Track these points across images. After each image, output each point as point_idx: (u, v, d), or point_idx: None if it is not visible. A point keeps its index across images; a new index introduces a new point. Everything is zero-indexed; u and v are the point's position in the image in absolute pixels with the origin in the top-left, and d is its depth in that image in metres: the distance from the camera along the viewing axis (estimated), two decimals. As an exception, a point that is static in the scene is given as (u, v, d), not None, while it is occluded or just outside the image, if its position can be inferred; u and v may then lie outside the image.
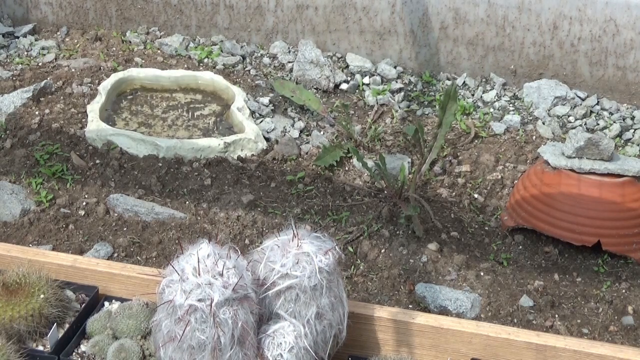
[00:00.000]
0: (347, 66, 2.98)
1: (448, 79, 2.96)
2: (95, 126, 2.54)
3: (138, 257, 2.17)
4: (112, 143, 2.50)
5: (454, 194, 2.43)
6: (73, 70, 2.87)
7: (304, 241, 1.52)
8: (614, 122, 2.74)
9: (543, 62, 2.85)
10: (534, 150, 2.56)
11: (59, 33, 3.16)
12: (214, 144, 2.51)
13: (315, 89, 2.89)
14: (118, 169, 2.44)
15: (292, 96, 2.76)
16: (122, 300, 1.73)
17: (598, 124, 2.74)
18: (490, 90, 2.90)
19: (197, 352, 1.43)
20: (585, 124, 2.74)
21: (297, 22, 3.02)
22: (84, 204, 2.33)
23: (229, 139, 2.53)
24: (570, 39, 2.82)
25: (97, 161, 2.46)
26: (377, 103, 2.83)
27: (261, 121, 2.69)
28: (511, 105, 2.83)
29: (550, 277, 2.16)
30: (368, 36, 2.96)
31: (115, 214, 2.31)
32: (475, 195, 2.42)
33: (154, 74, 2.84)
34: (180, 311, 1.43)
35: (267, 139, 2.61)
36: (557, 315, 2.04)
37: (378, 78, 2.94)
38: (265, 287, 1.50)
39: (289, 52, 3.05)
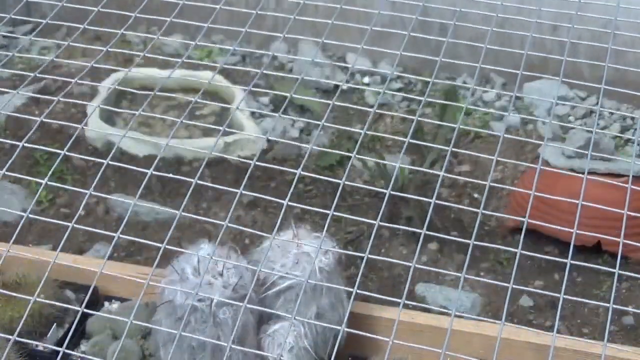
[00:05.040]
0: (347, 66, 2.98)
1: (448, 79, 2.96)
2: (95, 125, 2.54)
3: (138, 257, 2.17)
4: (112, 143, 2.50)
5: (454, 193, 2.43)
6: (73, 70, 2.87)
7: (304, 241, 1.52)
8: (614, 122, 2.74)
9: (543, 62, 2.84)
10: (534, 150, 2.56)
11: (58, 33, 3.16)
12: (213, 143, 2.51)
13: (315, 89, 2.88)
14: (118, 169, 2.44)
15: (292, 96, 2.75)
16: (122, 300, 1.73)
17: (598, 124, 2.74)
18: (491, 90, 2.89)
19: (197, 352, 1.43)
20: (585, 124, 2.74)
21: (297, 22, 3.02)
22: (84, 204, 2.33)
23: (229, 138, 2.52)
24: (571, 39, 2.81)
25: (97, 161, 2.46)
26: (377, 103, 2.82)
27: (261, 121, 2.69)
28: (511, 105, 2.83)
29: (551, 277, 2.16)
30: (368, 36, 2.96)
31: (115, 214, 2.31)
32: (476, 195, 2.42)
33: (154, 74, 2.83)
34: (180, 311, 1.43)
35: (267, 140, 2.61)
36: (556, 316, 2.03)
37: (378, 78, 2.94)
38: (265, 287, 1.50)
39: (289, 52, 3.05)
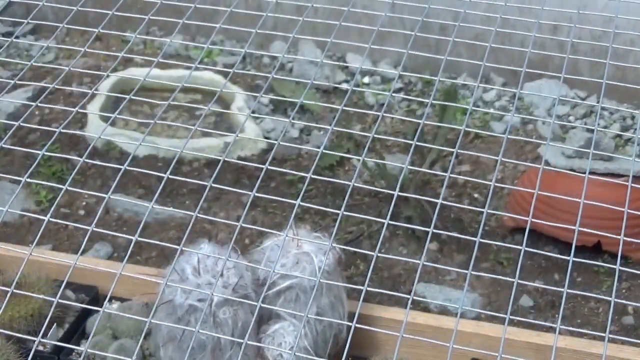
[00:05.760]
0: (347, 66, 2.98)
1: (448, 79, 2.96)
2: (95, 126, 2.54)
3: (138, 257, 2.17)
4: (112, 143, 2.50)
5: (454, 193, 2.43)
6: (73, 70, 2.87)
7: (304, 241, 1.52)
8: (614, 122, 2.74)
9: (543, 62, 2.84)
10: (534, 150, 2.56)
11: (59, 33, 3.16)
12: (214, 144, 2.51)
13: (315, 89, 2.88)
14: (118, 169, 2.43)
15: (292, 96, 2.75)
16: (122, 300, 1.72)
17: (598, 124, 2.74)
18: (491, 90, 2.90)
19: (197, 352, 1.43)
20: (585, 123, 2.74)
21: (297, 22, 3.02)
22: (84, 204, 2.33)
23: (229, 138, 2.52)
24: (571, 39, 2.81)
25: (97, 161, 2.46)
26: (377, 103, 2.82)
27: (261, 121, 2.69)
28: (511, 105, 2.83)
29: (551, 277, 2.16)
30: (368, 36, 2.96)
31: (115, 214, 2.31)
32: (476, 195, 2.42)
33: (154, 74, 2.83)
34: (180, 311, 1.43)
35: (267, 139, 2.61)
36: (557, 315, 2.04)
37: (378, 78, 2.94)
38: (266, 287, 1.50)
39: (289, 52, 3.05)
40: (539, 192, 2.29)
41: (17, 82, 1.61)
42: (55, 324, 1.64)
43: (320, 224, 2.28)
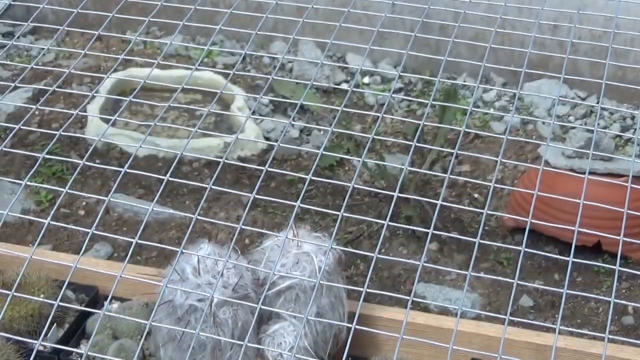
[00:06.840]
0: (347, 66, 2.98)
1: (448, 79, 2.96)
2: (95, 126, 2.54)
3: (138, 257, 2.17)
4: (112, 143, 2.50)
5: (454, 193, 2.43)
6: (73, 70, 2.87)
7: (304, 241, 1.52)
8: (614, 122, 2.74)
9: (543, 62, 2.84)
10: (534, 150, 2.56)
11: (58, 33, 3.16)
12: (214, 144, 2.51)
13: (315, 89, 2.88)
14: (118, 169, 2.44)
15: (292, 96, 2.75)
16: (122, 300, 1.72)
17: (598, 124, 2.74)
18: (490, 90, 2.90)
19: (197, 352, 1.43)
20: (585, 123, 2.74)
21: (297, 22, 3.02)
22: (84, 203, 2.33)
23: (229, 138, 2.52)
24: (571, 39, 2.81)
25: (97, 161, 2.46)
26: (377, 103, 2.82)
27: (261, 121, 2.69)
28: (511, 105, 2.83)
29: (551, 277, 2.16)
30: (368, 36, 2.95)
31: (115, 214, 2.31)
32: (476, 195, 2.42)
33: (154, 74, 2.83)
34: (180, 311, 1.43)
35: (267, 139, 2.61)
36: (557, 315, 2.04)
37: (378, 78, 2.94)
38: (266, 287, 1.50)
39: (289, 52, 3.05)
40: (539, 192, 2.29)
41: (17, 84, 1.61)
42: (55, 324, 1.64)
43: (320, 224, 2.28)
